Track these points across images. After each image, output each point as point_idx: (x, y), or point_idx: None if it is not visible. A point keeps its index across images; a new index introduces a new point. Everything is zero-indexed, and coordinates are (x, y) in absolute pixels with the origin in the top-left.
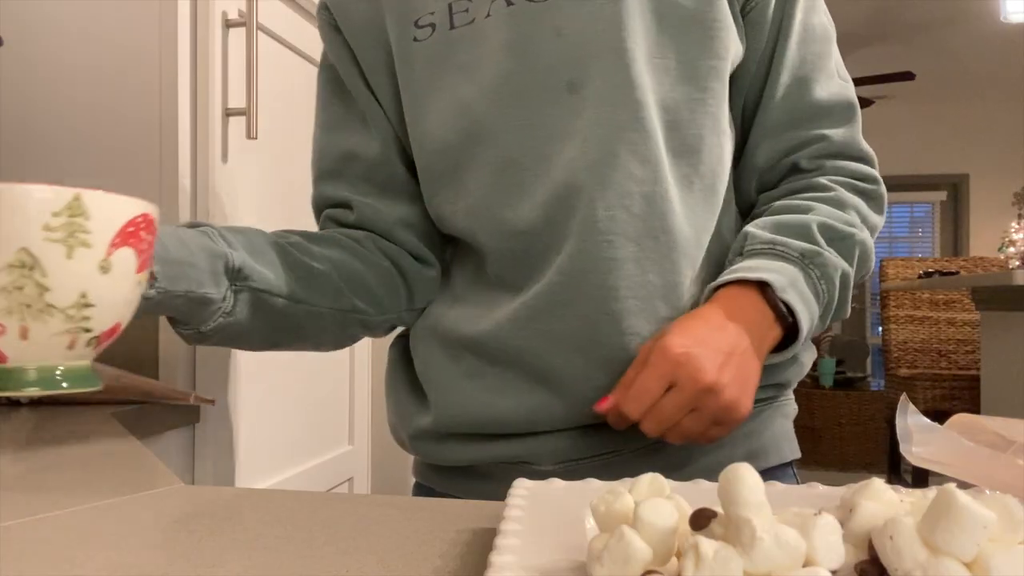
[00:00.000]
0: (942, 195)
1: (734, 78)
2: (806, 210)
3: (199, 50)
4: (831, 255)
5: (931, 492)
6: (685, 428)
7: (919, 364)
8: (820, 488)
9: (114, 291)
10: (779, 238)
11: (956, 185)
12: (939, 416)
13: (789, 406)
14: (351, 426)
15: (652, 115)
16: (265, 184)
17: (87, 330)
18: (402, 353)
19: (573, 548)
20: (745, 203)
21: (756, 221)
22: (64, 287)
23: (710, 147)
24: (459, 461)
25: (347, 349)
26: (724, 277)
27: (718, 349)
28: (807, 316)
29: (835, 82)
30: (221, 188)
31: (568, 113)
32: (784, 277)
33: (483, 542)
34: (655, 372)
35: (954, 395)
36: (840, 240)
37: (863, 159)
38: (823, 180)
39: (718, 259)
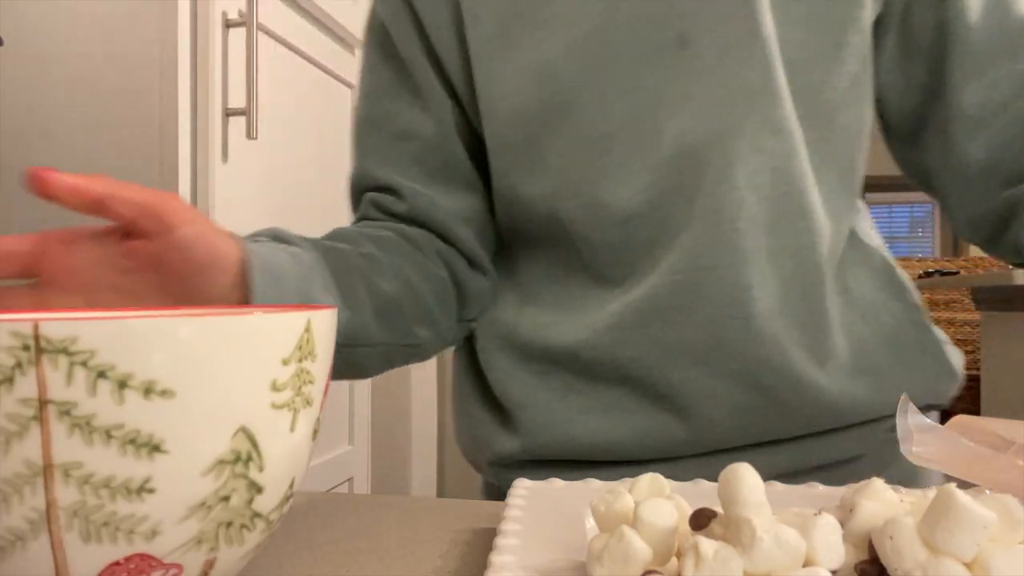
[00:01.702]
0: None
1: (878, 23)
2: None
3: (199, 50)
4: None
5: (931, 492)
6: None
7: None
8: (820, 488)
9: (307, 460)
10: None
11: None
12: (939, 416)
13: None
14: (351, 426)
15: (781, 74)
16: (265, 184)
17: (271, 534)
18: (470, 363)
19: (573, 548)
20: (961, 171)
21: None
22: (278, 479)
23: (847, 115)
24: None
25: None
26: None
27: None
28: None
29: None
30: (221, 188)
31: (678, 74)
32: None
33: (483, 542)
34: None
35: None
36: None
37: None
38: None
39: (858, 261)
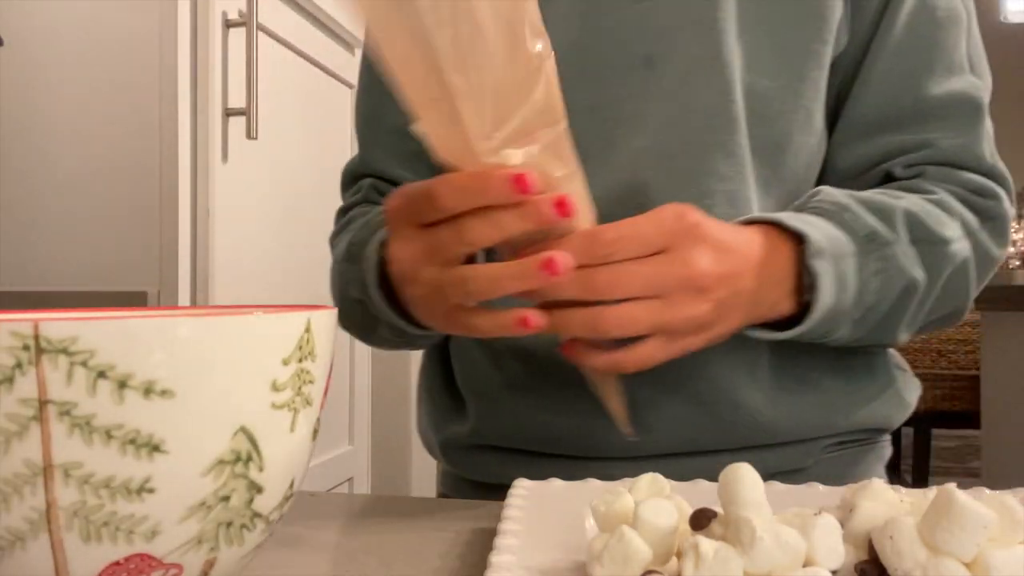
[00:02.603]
0: None
1: (832, 68)
2: (896, 198)
3: (199, 50)
4: (906, 255)
5: (931, 492)
6: None
7: (919, 364)
8: (820, 488)
9: (307, 460)
10: (854, 206)
11: None
12: (939, 416)
13: (886, 449)
14: (351, 426)
15: (739, 100)
16: (265, 184)
17: (270, 534)
18: (438, 357)
19: (573, 548)
20: None
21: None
22: (277, 479)
23: (798, 147)
24: (499, 478)
25: (347, 349)
26: (760, 215)
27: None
28: (830, 297)
29: (959, 78)
30: (221, 188)
31: (639, 93)
32: (829, 244)
33: (483, 542)
34: None
35: (954, 395)
36: (927, 243)
37: (983, 171)
38: (924, 183)
39: None
